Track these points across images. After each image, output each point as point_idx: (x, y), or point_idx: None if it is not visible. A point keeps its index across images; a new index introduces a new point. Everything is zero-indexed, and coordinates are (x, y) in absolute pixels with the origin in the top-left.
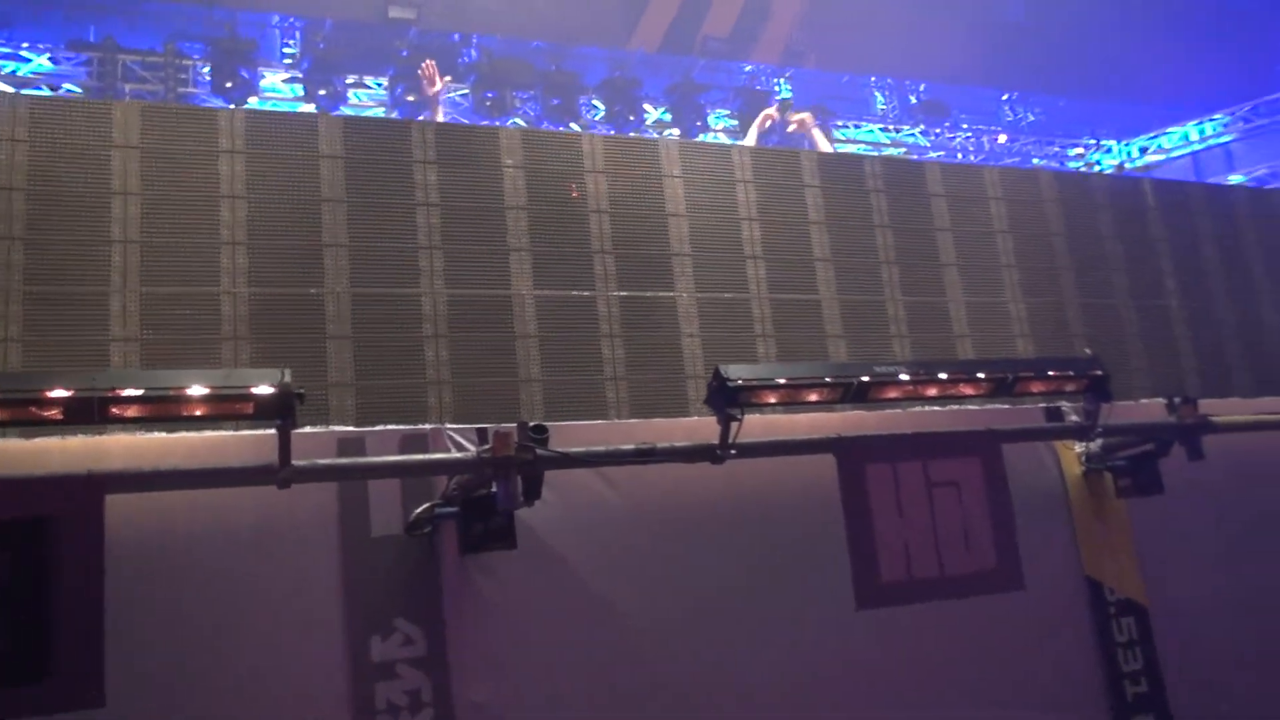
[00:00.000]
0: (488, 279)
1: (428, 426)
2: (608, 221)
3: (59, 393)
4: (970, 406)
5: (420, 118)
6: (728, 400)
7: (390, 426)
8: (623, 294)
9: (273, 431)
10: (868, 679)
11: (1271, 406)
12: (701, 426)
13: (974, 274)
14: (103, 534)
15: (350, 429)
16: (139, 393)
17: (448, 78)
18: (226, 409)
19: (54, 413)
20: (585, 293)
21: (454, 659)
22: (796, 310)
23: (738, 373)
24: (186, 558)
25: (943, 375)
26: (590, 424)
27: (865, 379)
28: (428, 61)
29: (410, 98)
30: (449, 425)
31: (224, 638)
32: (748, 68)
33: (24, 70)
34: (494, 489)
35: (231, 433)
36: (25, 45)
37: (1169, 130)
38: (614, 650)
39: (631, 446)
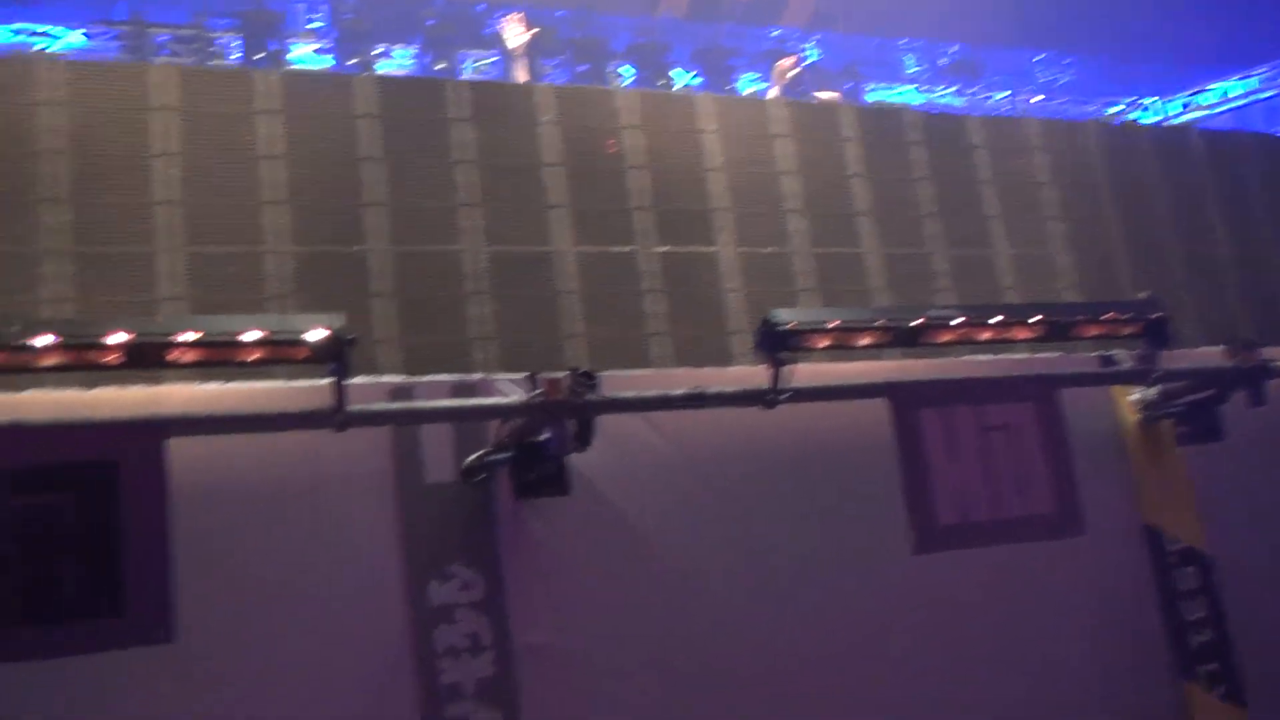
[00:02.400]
0: (528, 236)
1: (476, 376)
2: (646, 177)
3: (119, 337)
4: (1018, 355)
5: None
6: (778, 344)
7: (440, 376)
8: (663, 249)
9: (324, 383)
10: (926, 624)
11: None
12: (749, 375)
13: (1018, 226)
14: (165, 476)
15: (400, 378)
16: (196, 337)
17: (536, 29)
18: (281, 353)
19: (114, 358)
20: (625, 248)
21: (512, 602)
22: (839, 264)
23: (788, 316)
24: (246, 504)
25: (996, 319)
26: (637, 373)
27: (918, 322)
28: (513, 14)
29: (439, 65)
30: (497, 375)
31: (286, 580)
32: (775, 32)
33: (55, 48)
34: (546, 435)
35: (284, 384)
36: (52, 27)
37: (1209, 87)
38: (668, 594)
39: (682, 391)
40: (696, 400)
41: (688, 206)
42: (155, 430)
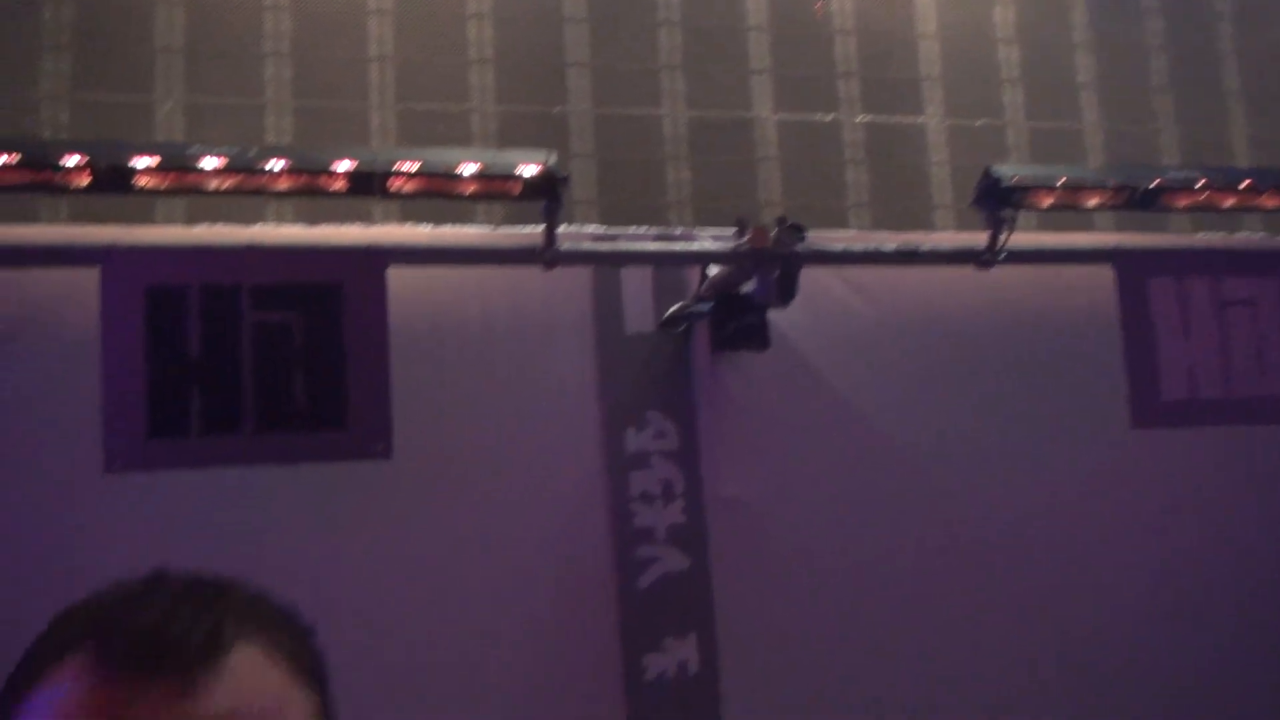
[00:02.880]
0: (728, 101)
1: (678, 229)
2: (853, 43)
3: (345, 165)
4: (1255, 234)
5: None
6: (999, 200)
7: (642, 228)
8: (867, 119)
9: (529, 231)
10: (1141, 502)
11: None
12: (957, 239)
13: (1265, 104)
14: (386, 302)
15: (604, 228)
16: (416, 167)
17: None
18: (495, 188)
19: (340, 185)
20: (828, 117)
21: (705, 454)
22: (1056, 139)
23: (1011, 170)
24: (455, 339)
25: (1244, 183)
26: (840, 232)
27: (1155, 183)
28: None
29: None
30: (699, 229)
31: (491, 414)
32: None
33: None
34: (748, 288)
35: (490, 229)
36: None
37: None
38: (861, 457)
39: (893, 246)
40: (908, 256)
41: (896, 75)
42: (377, 257)
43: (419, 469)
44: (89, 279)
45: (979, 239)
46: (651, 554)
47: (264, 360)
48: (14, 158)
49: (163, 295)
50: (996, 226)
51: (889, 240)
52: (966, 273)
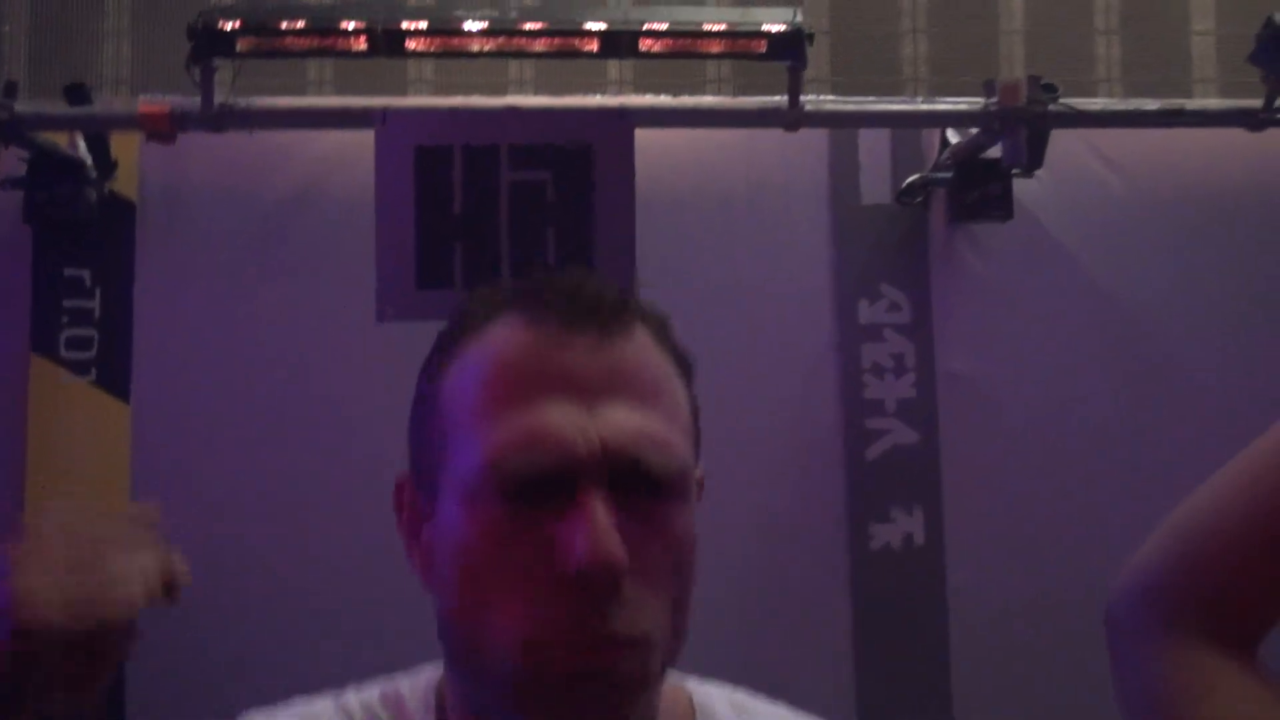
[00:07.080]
0: None
1: (920, 99)
2: None
3: (597, 25)
4: None
5: None
6: None
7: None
8: None
9: (768, 99)
10: None
11: None
12: (1225, 104)
13: None
14: (633, 162)
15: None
16: (665, 26)
17: None
18: (740, 46)
19: (591, 45)
20: None
21: (938, 328)
22: None
23: None
24: (689, 209)
25: None
26: (1087, 100)
27: None
28: None
29: None
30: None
31: (727, 279)
32: None
33: None
34: (993, 155)
35: (729, 99)
36: None
37: None
38: (1105, 340)
39: (1155, 106)
40: (1171, 116)
41: None
42: (627, 119)
43: None
44: (360, 144)
45: (1250, 105)
46: (881, 426)
47: (520, 216)
48: (300, 23)
49: (430, 155)
50: (1275, 83)
51: (1148, 103)
52: (1232, 148)
